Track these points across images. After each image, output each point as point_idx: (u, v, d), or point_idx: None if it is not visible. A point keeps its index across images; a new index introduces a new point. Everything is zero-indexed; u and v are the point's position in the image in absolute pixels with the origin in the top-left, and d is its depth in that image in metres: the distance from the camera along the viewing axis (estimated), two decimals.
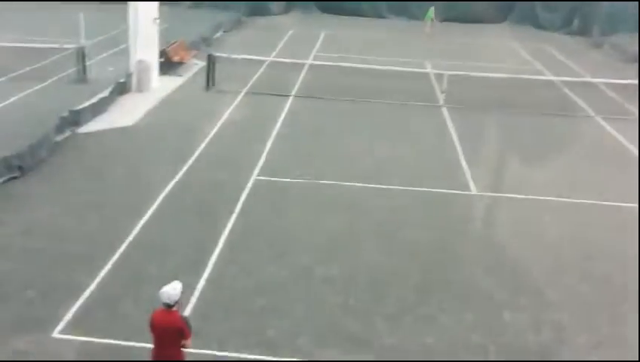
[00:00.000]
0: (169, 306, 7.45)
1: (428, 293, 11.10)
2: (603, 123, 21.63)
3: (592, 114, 22.60)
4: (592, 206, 14.97)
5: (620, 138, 20.05)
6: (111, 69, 23.35)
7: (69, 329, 9.61)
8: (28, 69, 22.93)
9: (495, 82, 24.82)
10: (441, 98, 23.27)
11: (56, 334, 9.48)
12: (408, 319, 10.35)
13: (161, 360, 7.63)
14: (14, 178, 14.55)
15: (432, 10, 38.02)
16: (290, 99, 22.58)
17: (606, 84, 25.73)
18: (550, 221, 14.12)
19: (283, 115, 20.59)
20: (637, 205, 14.95)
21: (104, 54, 25.72)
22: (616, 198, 15.38)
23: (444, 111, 22.11)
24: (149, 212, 13.40)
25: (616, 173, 17.15)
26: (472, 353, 9.61)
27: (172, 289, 7.46)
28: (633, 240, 13.36)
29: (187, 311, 9.91)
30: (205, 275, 11.19)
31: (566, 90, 25.44)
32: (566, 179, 16.46)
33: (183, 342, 7.55)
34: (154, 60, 23.00)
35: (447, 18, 41.45)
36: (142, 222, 12.96)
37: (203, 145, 17.35)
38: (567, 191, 15.59)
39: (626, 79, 25.81)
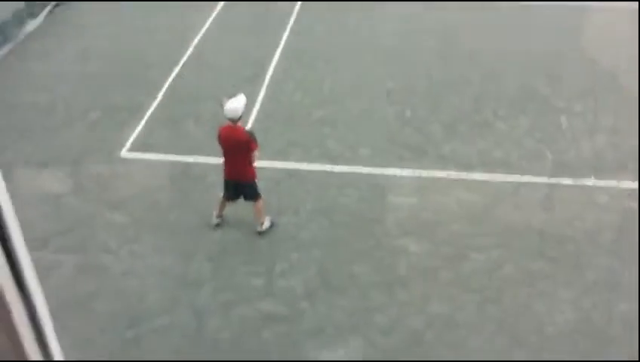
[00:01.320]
0: (234, 120, 7.66)
1: (484, 102, 11.10)
2: None
3: None
4: None
5: None
6: None
7: (135, 147, 10.06)
8: None
9: None
10: None
11: (124, 153, 9.94)
12: (464, 127, 10.46)
13: (235, 174, 8.01)
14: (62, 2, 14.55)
15: None
16: None
17: None
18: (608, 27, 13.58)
19: None
20: None
21: None
22: None
23: None
24: (202, 30, 13.40)
25: None
26: (527, 158, 9.75)
27: (237, 103, 7.61)
28: None
29: (249, 125, 10.21)
30: (263, 90, 11.36)
31: None
32: None
33: (251, 154, 7.86)
34: None
35: None
36: (195, 42, 13.00)
37: None
38: None
39: None
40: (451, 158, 9.74)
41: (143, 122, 10.62)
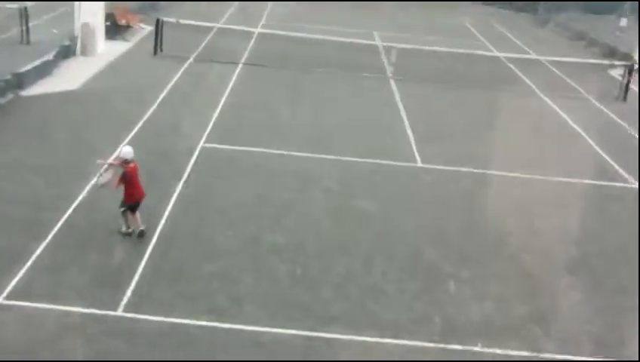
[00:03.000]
0: (127, 162, 10.91)
1: (374, 263, 11.26)
2: (546, 99, 22.13)
3: (537, 90, 23.10)
4: (535, 180, 15.36)
5: (563, 114, 20.56)
6: (55, 31, 22.71)
7: (15, 295, 9.39)
8: None
9: (442, 56, 25.07)
10: (389, 70, 23.41)
11: (1, 300, 9.26)
12: (354, 288, 10.50)
13: (141, 195, 11.20)
14: None
15: None
16: (239, 67, 22.39)
17: (550, 61, 26.28)
18: (494, 194, 14.45)
19: (231, 83, 20.42)
20: (578, 180, 15.46)
21: (47, 15, 24.92)
22: (558, 173, 15.78)
23: (392, 83, 22.27)
24: (96, 177, 13.14)
25: (558, 149, 17.62)
26: (417, 322, 9.81)
27: (128, 149, 11.01)
28: (574, 214, 13.80)
29: (135, 278, 9.96)
30: (153, 242, 11.10)
31: (511, 66, 25.90)
32: (510, 153, 16.80)
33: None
34: (100, 24, 22.43)
35: None
36: (87, 187, 12.70)
37: (150, 112, 17.08)
38: (511, 165, 15.91)
39: (569, 57, 26.48)
40: (341, 320, 9.66)
41: (25, 268, 10.04)
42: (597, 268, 11.74)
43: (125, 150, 11.10)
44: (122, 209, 11.18)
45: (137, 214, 11.21)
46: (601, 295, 10.93)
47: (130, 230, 11.23)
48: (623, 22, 33.50)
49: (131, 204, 11.14)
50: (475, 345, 9.35)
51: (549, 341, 9.58)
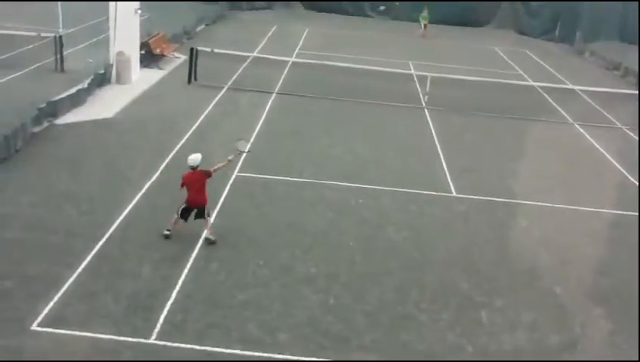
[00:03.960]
0: (193, 168, 11.91)
1: (406, 293, 11.19)
2: (581, 130, 21.91)
3: (571, 120, 22.89)
4: (569, 211, 15.18)
5: (597, 145, 20.32)
6: (90, 60, 23.18)
7: (48, 322, 9.55)
8: (4, 56, 22.69)
9: (477, 85, 25.02)
10: (423, 100, 23.42)
11: (34, 327, 9.40)
12: (386, 317, 10.44)
13: (196, 201, 12.01)
14: None
15: (426, 12, 38.43)
16: (273, 96, 22.59)
17: (585, 91, 26.06)
18: (528, 225, 14.30)
19: (265, 112, 20.60)
20: (610, 211, 15.26)
21: (83, 44, 25.54)
22: (592, 204, 15.60)
23: (426, 112, 22.26)
24: (129, 206, 13.33)
25: (592, 180, 17.41)
26: (449, 351, 9.73)
27: (196, 156, 11.99)
28: (608, 245, 13.61)
29: (167, 306, 10.04)
30: (186, 270, 11.18)
31: (546, 96, 25.73)
32: (544, 183, 16.66)
33: (213, 168, 12.18)
34: (134, 52, 22.81)
35: (430, 20, 41.76)
36: (121, 216, 12.88)
37: (183, 140, 17.28)
38: (545, 195, 15.78)
39: (605, 87, 26.21)
40: (374, 349, 9.61)
41: (58, 295, 10.17)
42: (628, 299, 11.59)
43: (189, 157, 12.05)
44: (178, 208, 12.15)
45: (209, 221, 12.27)
46: (632, 324, 10.79)
47: (168, 232, 12.10)
48: None
49: (185, 205, 12.06)
50: None
51: None
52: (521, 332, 10.42)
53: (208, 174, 12.08)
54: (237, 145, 12.62)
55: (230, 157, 12.28)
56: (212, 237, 12.15)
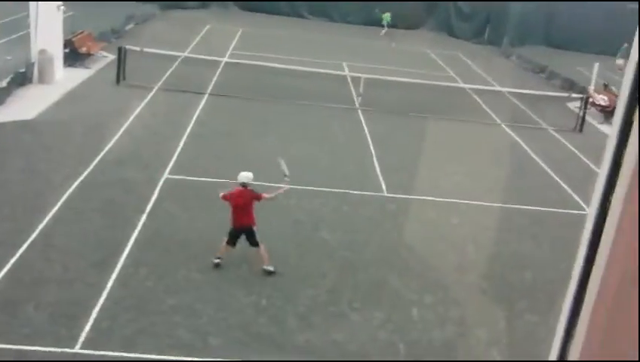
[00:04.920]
0: (245, 185, 11.19)
1: (339, 293, 11.20)
2: (508, 130, 22.45)
3: (499, 121, 23.43)
4: (496, 208, 15.52)
5: (524, 145, 20.86)
6: (9, 57, 22.25)
7: None
8: None
9: (409, 87, 25.34)
10: (357, 101, 23.56)
11: None
12: (319, 318, 10.42)
13: (242, 223, 11.14)
14: None
15: (388, 15, 39.63)
16: (205, 97, 22.32)
17: (512, 93, 26.73)
18: (456, 222, 14.54)
19: (197, 113, 20.33)
20: (535, 208, 15.70)
21: (1, 41, 24.59)
22: (518, 202, 15.98)
23: (360, 113, 22.40)
24: (52, 211, 12.87)
25: (518, 179, 17.84)
26: (381, 349, 9.78)
27: (247, 174, 11.26)
28: (534, 241, 13.97)
29: (93, 314, 9.73)
30: (114, 276, 10.88)
31: (476, 97, 26.27)
32: (473, 182, 17.00)
33: (265, 195, 11.32)
34: (58, 50, 22.02)
35: (365, 22, 42.21)
36: (44, 222, 12.43)
37: (112, 143, 16.86)
38: (473, 194, 16.09)
39: (531, 89, 26.97)
40: (306, 350, 9.57)
41: None
42: (551, 292, 11.94)
43: (241, 173, 11.37)
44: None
45: (261, 249, 11.27)
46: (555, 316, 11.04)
47: (217, 260, 11.30)
48: (620, 61, 33.78)
49: (232, 229, 11.28)
50: None
51: None
52: (451, 327, 10.60)
53: (258, 198, 11.25)
54: (282, 169, 11.91)
55: (281, 190, 11.80)
56: (271, 268, 11.31)
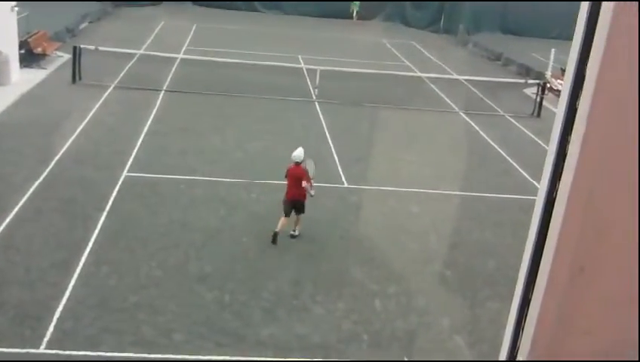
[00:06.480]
0: (298, 163, 12.44)
1: (302, 285, 11.32)
2: (466, 118, 22.81)
3: (457, 109, 23.78)
4: (456, 196, 15.80)
5: (481, 132, 21.23)
6: None
7: None
8: None
9: (365, 77, 25.53)
10: (313, 93, 23.67)
11: None
12: (282, 311, 10.53)
13: (294, 196, 12.45)
14: None
15: (357, 4, 42.18)
16: (162, 93, 22.21)
17: (469, 80, 27.13)
18: (417, 212, 14.77)
19: (154, 111, 20.22)
20: (495, 195, 16.01)
21: None
22: (478, 189, 16.28)
23: (317, 105, 22.52)
24: (12, 213, 12.75)
25: (477, 166, 18.17)
26: (345, 340, 9.93)
27: (299, 152, 12.51)
28: (495, 228, 14.25)
29: (57, 313, 9.68)
30: (75, 276, 10.84)
31: (432, 86, 26.60)
32: (432, 171, 17.25)
33: (304, 183, 12.33)
34: (13, 52, 21.77)
35: (319, 14, 42.32)
36: (4, 223, 12.32)
37: (69, 142, 16.70)
38: (433, 182, 16.33)
39: (488, 76, 27.41)
40: (270, 344, 9.68)
41: None
42: (513, 278, 12.16)
43: (294, 153, 12.56)
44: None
45: (297, 217, 12.69)
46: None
47: (277, 230, 12.40)
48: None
49: (285, 200, 12.57)
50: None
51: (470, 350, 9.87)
52: (414, 317, 10.76)
53: (305, 178, 12.46)
54: (311, 170, 12.97)
55: (312, 190, 12.67)
56: (296, 233, 12.77)
